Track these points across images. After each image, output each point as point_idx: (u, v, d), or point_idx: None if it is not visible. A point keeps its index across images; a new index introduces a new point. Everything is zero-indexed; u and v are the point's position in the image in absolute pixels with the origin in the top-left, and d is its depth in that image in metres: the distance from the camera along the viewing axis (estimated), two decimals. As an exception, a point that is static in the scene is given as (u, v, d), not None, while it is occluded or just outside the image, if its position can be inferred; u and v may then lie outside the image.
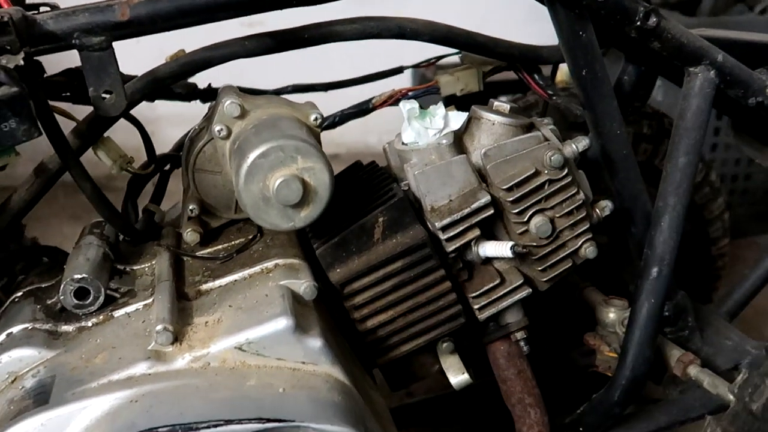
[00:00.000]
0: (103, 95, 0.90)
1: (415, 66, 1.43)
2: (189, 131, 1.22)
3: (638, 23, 1.04)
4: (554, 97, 1.29)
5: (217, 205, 1.09)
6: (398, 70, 1.41)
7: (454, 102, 1.34)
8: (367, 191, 1.07)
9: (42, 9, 1.04)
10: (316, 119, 1.03)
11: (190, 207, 1.06)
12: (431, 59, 1.40)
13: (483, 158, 1.05)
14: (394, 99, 1.30)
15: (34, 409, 0.80)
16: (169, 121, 3.29)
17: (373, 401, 0.97)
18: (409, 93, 1.30)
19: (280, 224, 0.92)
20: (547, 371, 1.24)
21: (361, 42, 1.22)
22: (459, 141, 1.09)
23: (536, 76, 1.30)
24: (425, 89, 1.32)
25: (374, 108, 1.32)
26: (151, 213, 1.19)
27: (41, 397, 0.82)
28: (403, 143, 1.09)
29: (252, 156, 0.90)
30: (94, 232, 1.07)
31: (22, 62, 0.85)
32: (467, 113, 1.10)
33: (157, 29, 0.92)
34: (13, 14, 0.83)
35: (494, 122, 1.09)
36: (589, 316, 1.33)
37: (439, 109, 1.08)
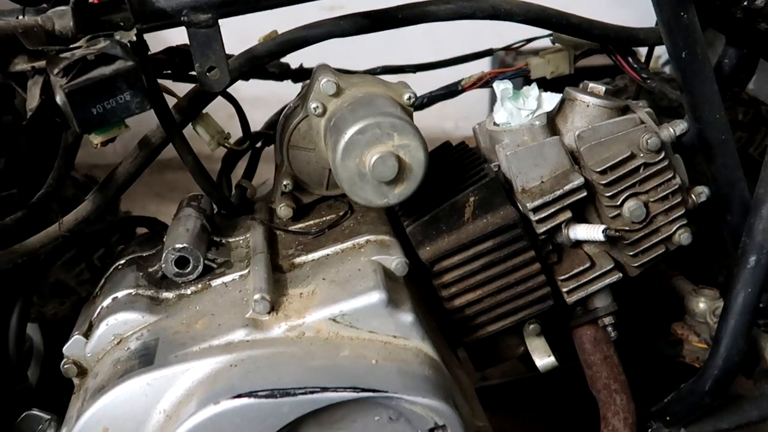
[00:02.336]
0: (208, 72, 0.93)
1: (506, 48, 1.42)
2: (283, 108, 1.25)
3: (745, 3, 1.01)
4: (648, 81, 1.26)
5: (309, 182, 1.11)
6: (488, 53, 1.40)
7: (543, 85, 1.32)
8: (457, 171, 1.08)
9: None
10: (409, 98, 1.04)
11: (284, 183, 1.09)
12: (521, 41, 1.39)
13: (577, 140, 1.04)
14: (483, 81, 1.30)
15: (140, 369, 0.84)
16: (250, 103, 3.37)
17: (459, 379, 0.98)
18: (499, 75, 1.29)
19: (374, 200, 0.94)
20: (630, 360, 1.22)
21: (449, 24, 1.22)
22: (552, 122, 1.08)
23: (630, 59, 1.27)
24: (515, 71, 1.31)
25: (463, 90, 1.32)
26: (243, 188, 1.23)
27: (146, 359, 0.85)
28: (495, 124, 1.08)
29: (350, 132, 0.91)
30: (192, 205, 1.11)
31: (134, 38, 0.89)
32: (560, 95, 1.09)
33: (261, 7, 0.95)
34: (131, -9, 0.87)
35: (589, 104, 1.07)
36: (676, 306, 1.30)
37: (532, 90, 1.08)
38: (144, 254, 1.07)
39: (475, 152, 1.13)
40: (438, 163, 1.11)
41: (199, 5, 0.91)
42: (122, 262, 1.06)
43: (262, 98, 3.52)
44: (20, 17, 0.95)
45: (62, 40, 0.89)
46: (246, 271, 0.98)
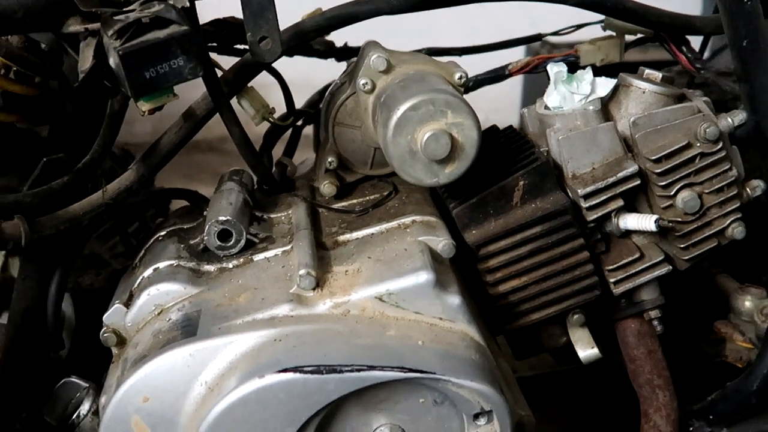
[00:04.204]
0: (260, 42, 0.91)
1: (555, 33, 1.39)
2: (326, 86, 1.24)
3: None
4: (702, 72, 1.23)
5: (353, 160, 1.09)
6: (536, 38, 1.38)
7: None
8: (506, 154, 1.05)
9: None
10: (460, 78, 1.01)
11: (329, 159, 1.07)
12: (571, 27, 1.36)
13: (632, 126, 1.01)
14: (531, 67, 1.27)
15: (182, 340, 0.83)
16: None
17: (501, 366, 0.96)
18: (548, 61, 1.26)
19: (424, 179, 0.92)
20: (673, 357, 1.19)
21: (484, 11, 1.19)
22: (605, 108, 1.05)
23: (684, 48, 1.24)
24: (564, 57, 1.28)
25: (510, 74, 1.29)
26: (284, 166, 1.21)
27: (188, 330, 0.84)
28: (546, 107, 1.06)
29: (402, 108, 0.89)
30: (234, 179, 1.09)
31: (188, 4, 0.87)
32: (615, 80, 1.06)
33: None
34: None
35: (644, 90, 1.04)
36: (720, 304, 1.27)
37: (587, 74, 1.05)
38: (185, 227, 1.05)
39: (524, 136, 1.11)
40: (486, 146, 1.08)
41: (254, -27, 0.89)
42: (163, 233, 1.05)
43: (292, 82, 3.51)
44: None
45: (116, 3, 0.87)
46: (289, 246, 0.96)
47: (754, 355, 1.16)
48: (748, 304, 1.20)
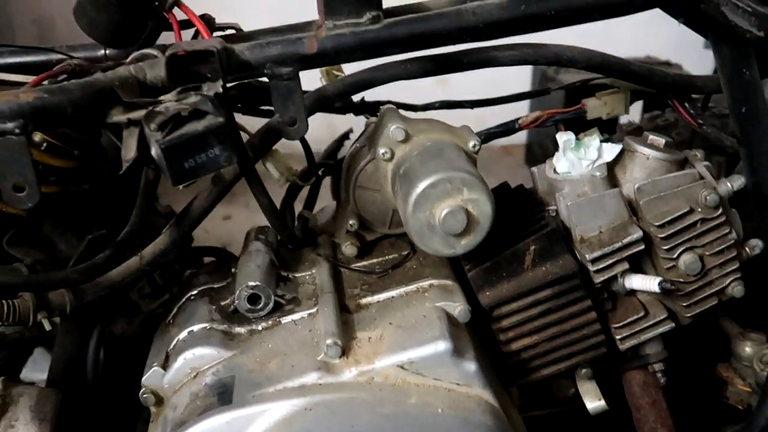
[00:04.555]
0: (288, 122, 0.97)
1: (564, 88, 1.45)
2: (346, 134, 1.30)
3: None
4: (704, 127, 1.28)
5: (373, 220, 1.15)
6: (545, 92, 1.43)
7: (600, 125, 1.35)
8: (518, 216, 1.11)
9: (228, 31, 1.13)
10: (474, 146, 1.07)
11: (350, 222, 1.13)
12: (577, 82, 1.41)
13: (636, 192, 1.07)
14: (540, 121, 1.32)
15: (219, 408, 0.89)
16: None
17: (514, 420, 1.02)
18: (557, 116, 1.32)
19: (442, 251, 0.98)
20: (677, 402, 1.25)
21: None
22: (611, 171, 1.11)
23: (686, 105, 1.30)
24: (573, 112, 1.33)
25: (520, 128, 1.35)
26: (305, 219, 1.27)
27: (224, 396, 0.91)
28: (555, 171, 1.12)
29: (421, 186, 0.95)
30: (260, 239, 1.16)
31: (221, 89, 0.93)
32: (620, 145, 1.12)
33: (340, 61, 0.99)
34: (217, 46, 0.92)
35: (648, 156, 1.10)
36: (723, 346, 1.32)
37: (593, 140, 1.11)
38: (215, 286, 1.12)
39: (535, 197, 1.17)
40: (498, 206, 1.14)
41: (282, 59, 0.95)
42: (195, 292, 1.11)
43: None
44: (107, 63, 1.01)
45: (153, 90, 0.94)
46: (314, 309, 1.02)
47: (754, 400, 1.22)
48: (748, 350, 1.26)
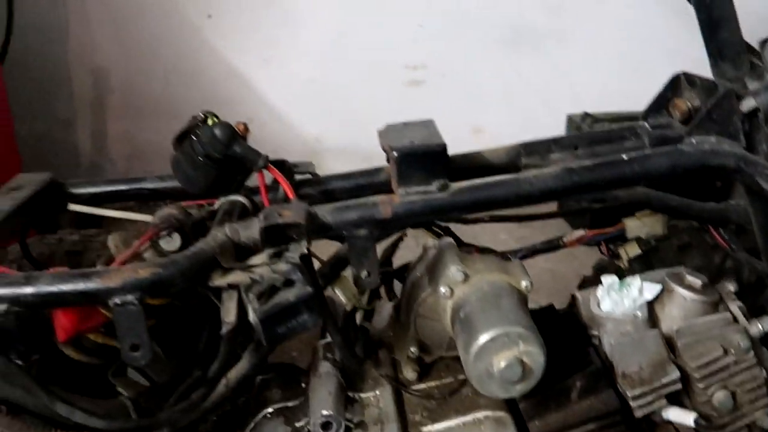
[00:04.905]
0: (363, 275, 1.09)
1: (599, 233, 1.52)
2: (397, 243, 1.41)
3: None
4: (737, 253, 1.38)
5: (432, 345, 1.27)
6: (585, 210, 1.53)
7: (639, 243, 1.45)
8: (565, 346, 1.21)
9: (298, 177, 1.25)
10: (526, 287, 1.18)
11: (411, 349, 1.25)
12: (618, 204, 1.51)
13: (675, 333, 1.18)
14: (585, 240, 1.43)
15: None
16: (332, 153, 3.56)
17: None
18: (599, 235, 1.42)
19: (498, 394, 1.09)
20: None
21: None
22: (650, 307, 1.22)
23: (721, 231, 1.40)
24: (614, 232, 1.44)
25: (564, 246, 1.46)
26: (366, 330, 1.39)
27: None
28: (598, 306, 1.22)
29: (482, 339, 1.06)
30: (328, 358, 1.27)
31: (305, 250, 1.05)
32: (660, 285, 1.22)
33: (410, 224, 1.11)
34: (303, 220, 1.03)
35: (686, 298, 1.20)
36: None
37: (635, 281, 1.21)
38: (289, 405, 1.24)
39: (579, 322, 1.27)
40: (546, 333, 1.25)
41: (360, 222, 1.07)
42: (270, 410, 1.23)
43: (344, 150, 3.70)
44: (201, 213, 1.13)
45: (246, 249, 1.06)
46: (380, 436, 1.14)
47: None
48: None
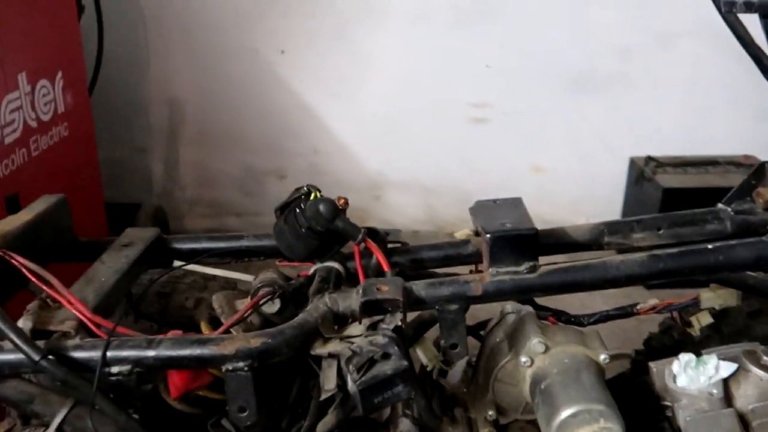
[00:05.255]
0: (451, 347, 1.16)
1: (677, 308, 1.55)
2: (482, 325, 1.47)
3: None
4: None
5: (508, 408, 1.32)
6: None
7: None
8: (640, 418, 1.26)
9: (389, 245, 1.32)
10: (604, 360, 1.23)
11: (489, 413, 1.31)
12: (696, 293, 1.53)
13: (750, 413, 1.21)
14: (658, 309, 1.47)
15: None
16: (393, 185, 3.64)
17: None
18: (674, 305, 1.46)
19: (578, 465, 1.14)
20: None
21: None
22: (725, 384, 1.25)
23: (793, 306, 1.42)
24: (688, 302, 1.48)
25: (637, 313, 1.50)
26: (440, 387, 1.45)
27: None
28: (674, 380, 1.27)
29: (563, 414, 1.12)
30: (407, 414, 1.33)
31: (400, 322, 1.12)
32: (736, 365, 1.26)
33: (497, 300, 1.16)
34: (400, 288, 1.10)
35: (762, 378, 1.24)
36: None
37: (712, 359, 1.25)
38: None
39: (652, 392, 1.31)
40: (621, 402, 1.30)
41: (451, 299, 1.14)
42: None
43: (406, 183, 3.77)
44: (299, 280, 1.21)
45: (343, 318, 1.14)
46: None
47: None
48: None
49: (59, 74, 2.48)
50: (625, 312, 1.52)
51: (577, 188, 3.56)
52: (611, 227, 1.28)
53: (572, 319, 1.44)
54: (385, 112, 3.49)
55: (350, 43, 3.36)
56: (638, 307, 1.50)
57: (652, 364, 1.35)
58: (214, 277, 1.52)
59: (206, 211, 3.58)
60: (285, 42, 3.34)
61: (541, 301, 1.38)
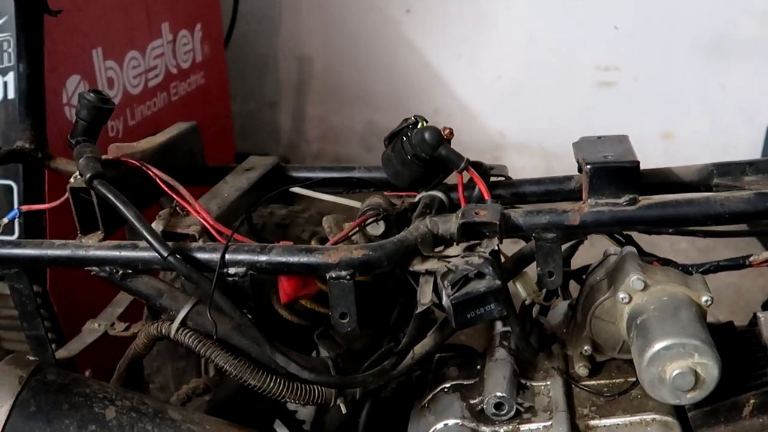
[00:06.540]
0: (547, 275, 1.18)
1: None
2: (577, 246, 1.48)
3: None
4: None
5: (605, 346, 1.33)
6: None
7: None
8: (741, 363, 1.24)
9: (493, 178, 1.35)
10: (707, 301, 1.22)
11: (585, 347, 1.32)
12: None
13: None
14: (771, 261, 1.42)
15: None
16: (516, 148, 3.63)
17: None
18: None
19: (668, 400, 1.14)
20: None
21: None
22: (834, 334, 1.21)
23: None
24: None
25: (750, 265, 1.45)
26: (540, 324, 1.48)
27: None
28: (784, 328, 1.23)
29: (657, 346, 1.12)
30: (504, 345, 1.38)
31: (497, 246, 1.16)
32: None
33: (595, 231, 1.18)
34: (498, 219, 1.14)
35: None
36: None
37: (824, 309, 1.21)
38: (465, 383, 1.36)
39: (758, 343, 1.28)
40: (723, 347, 1.28)
41: (548, 227, 1.16)
42: (447, 386, 1.36)
43: (527, 144, 3.74)
44: (403, 205, 1.27)
45: (443, 240, 1.19)
46: (549, 423, 1.23)
47: None
48: None
49: (198, 26, 2.65)
50: (737, 264, 1.47)
51: (708, 156, 3.39)
52: (721, 168, 1.25)
53: (679, 268, 1.42)
54: (510, 74, 3.48)
55: (476, 4, 3.37)
56: (751, 258, 1.46)
57: (760, 314, 1.32)
58: (330, 213, 1.62)
59: (329, 165, 3.73)
60: (411, 1, 3.39)
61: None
